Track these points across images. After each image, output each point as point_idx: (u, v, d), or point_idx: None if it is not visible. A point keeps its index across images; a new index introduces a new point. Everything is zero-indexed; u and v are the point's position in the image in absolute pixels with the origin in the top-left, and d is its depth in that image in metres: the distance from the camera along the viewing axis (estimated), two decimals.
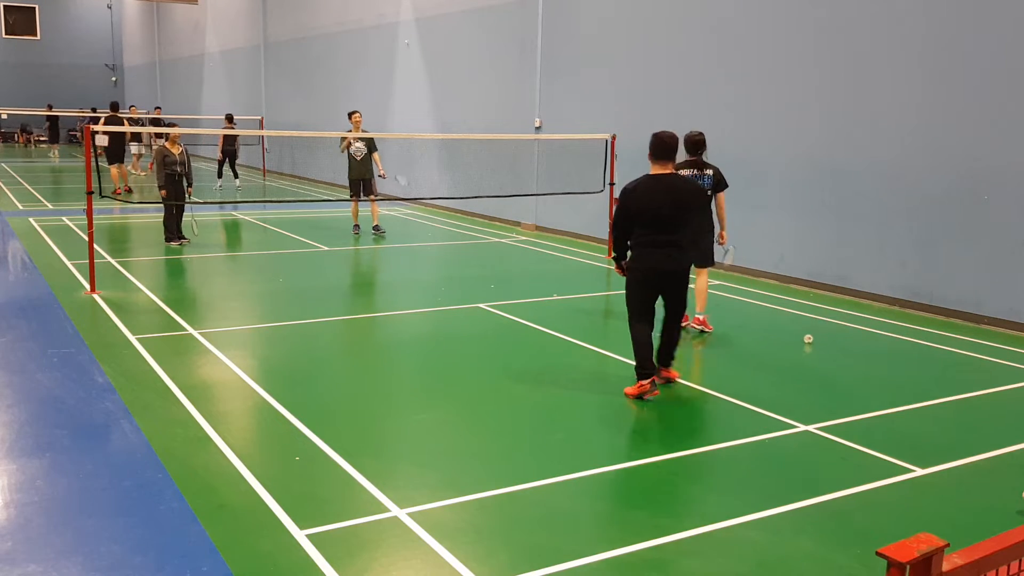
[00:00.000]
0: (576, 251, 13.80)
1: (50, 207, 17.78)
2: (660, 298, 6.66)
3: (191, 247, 13.10)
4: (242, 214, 17.67)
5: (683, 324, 8.35)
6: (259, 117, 27.94)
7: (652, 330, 6.61)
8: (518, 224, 16.56)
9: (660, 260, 6.47)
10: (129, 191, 20.17)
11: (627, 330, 6.68)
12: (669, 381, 6.86)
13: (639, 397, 6.48)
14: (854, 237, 10.55)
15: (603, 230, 13.17)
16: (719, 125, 12.01)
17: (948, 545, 2.05)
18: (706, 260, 8.52)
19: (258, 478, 4.96)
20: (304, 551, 4.16)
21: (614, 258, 6.88)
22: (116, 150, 20.15)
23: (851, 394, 6.84)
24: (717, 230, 8.57)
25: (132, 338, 7.87)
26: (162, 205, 13.20)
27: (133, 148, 24.71)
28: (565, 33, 14.99)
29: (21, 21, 42.64)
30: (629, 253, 6.65)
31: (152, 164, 13.39)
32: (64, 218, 15.72)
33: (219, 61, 32.41)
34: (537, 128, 15.68)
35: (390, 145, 19.34)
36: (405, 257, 13.56)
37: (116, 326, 8.30)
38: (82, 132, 24.21)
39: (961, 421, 6.39)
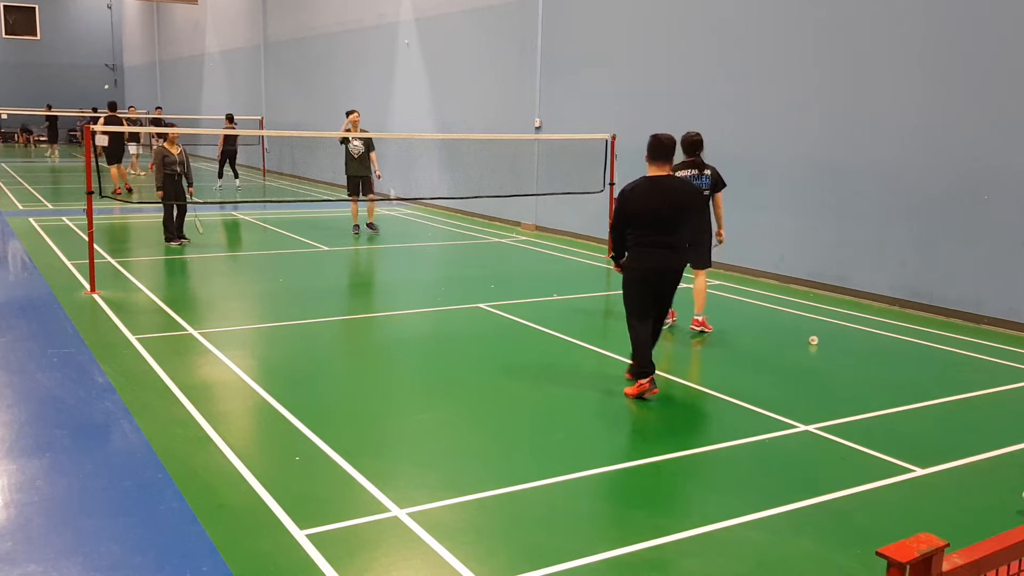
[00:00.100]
0: (576, 251, 13.80)
1: (50, 207, 17.78)
2: None
3: (191, 247, 13.11)
4: (242, 214, 17.67)
5: (669, 321, 8.37)
6: (259, 117, 27.94)
7: (651, 330, 6.63)
8: (518, 224, 16.56)
9: (658, 260, 6.51)
10: (129, 190, 20.18)
11: (627, 330, 6.69)
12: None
13: (639, 397, 6.49)
14: (854, 237, 10.55)
15: (603, 230, 13.17)
16: (719, 125, 12.01)
17: (948, 545, 2.05)
18: (704, 261, 8.51)
19: (258, 478, 4.96)
20: (304, 551, 4.16)
21: (612, 257, 6.91)
22: (116, 150, 20.17)
23: (851, 394, 6.84)
24: (715, 229, 8.57)
25: (132, 338, 7.87)
26: (162, 205, 13.20)
27: (132, 148, 24.72)
28: (565, 33, 14.99)
29: (21, 21, 42.64)
30: (627, 253, 6.68)
31: (152, 164, 13.38)
32: (64, 218, 15.72)
33: (219, 61, 32.41)
34: (537, 128, 15.68)
35: (390, 145, 19.34)
36: (405, 257, 13.56)
37: (116, 326, 8.31)
38: (82, 132, 24.23)
39: (961, 421, 6.39)
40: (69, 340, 7.81)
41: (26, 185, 22.03)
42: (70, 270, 10.98)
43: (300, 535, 4.30)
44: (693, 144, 8.21)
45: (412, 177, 19.34)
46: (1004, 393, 7.01)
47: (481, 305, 9.60)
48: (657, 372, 7.13)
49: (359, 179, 14.63)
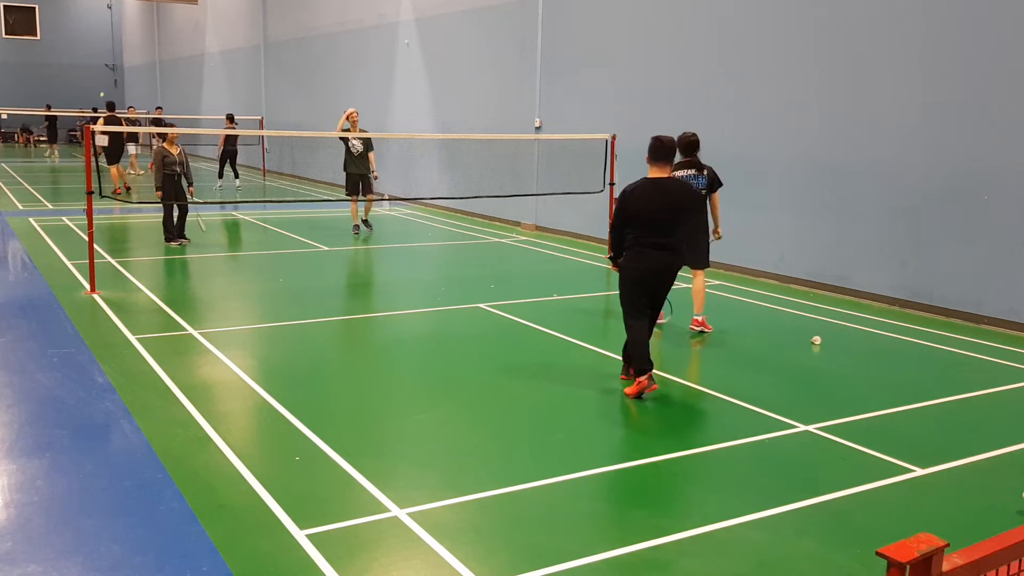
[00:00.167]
0: (576, 251, 13.80)
1: (50, 207, 17.78)
2: None
3: (191, 247, 13.11)
4: (242, 214, 17.67)
5: (660, 321, 8.42)
6: (259, 117, 27.94)
7: (648, 329, 6.66)
8: (518, 224, 16.56)
9: (656, 260, 6.57)
10: (128, 189, 20.19)
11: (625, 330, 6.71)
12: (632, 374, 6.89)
13: (638, 396, 6.49)
14: (854, 237, 10.55)
15: (603, 230, 13.17)
16: (719, 125, 12.02)
17: (948, 545, 2.05)
18: (702, 261, 8.54)
19: (258, 478, 4.96)
20: (304, 551, 4.16)
21: (610, 257, 6.94)
22: (115, 150, 20.18)
23: (851, 394, 6.84)
24: (711, 227, 8.60)
25: (132, 338, 7.87)
26: (161, 205, 13.20)
27: (131, 148, 24.73)
28: (565, 33, 14.99)
29: (21, 21, 42.63)
30: (625, 253, 6.72)
31: (152, 164, 13.38)
32: (64, 218, 15.72)
33: (219, 61, 32.41)
34: (537, 128, 15.68)
35: (390, 145, 19.34)
36: (405, 257, 13.56)
37: (116, 326, 8.31)
38: (82, 132, 24.24)
39: (961, 421, 6.39)
40: (69, 340, 7.81)
41: (26, 185, 22.03)
42: (70, 270, 10.98)
43: (300, 535, 4.30)
44: (690, 144, 8.27)
45: (412, 177, 19.34)
46: (1004, 393, 7.01)
47: (481, 305, 9.60)
48: (657, 372, 7.14)
49: (359, 177, 14.63)
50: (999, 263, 9.18)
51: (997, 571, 2.17)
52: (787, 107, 11.29)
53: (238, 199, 20.32)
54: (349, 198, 14.93)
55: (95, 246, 10.08)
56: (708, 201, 8.38)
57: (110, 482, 4.93)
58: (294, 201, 20.36)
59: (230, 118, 23.00)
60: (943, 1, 9.51)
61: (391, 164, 19.73)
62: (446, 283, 11.38)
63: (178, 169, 12.82)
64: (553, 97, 15.41)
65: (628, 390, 6.55)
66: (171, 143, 12.94)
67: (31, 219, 15.55)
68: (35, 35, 42.93)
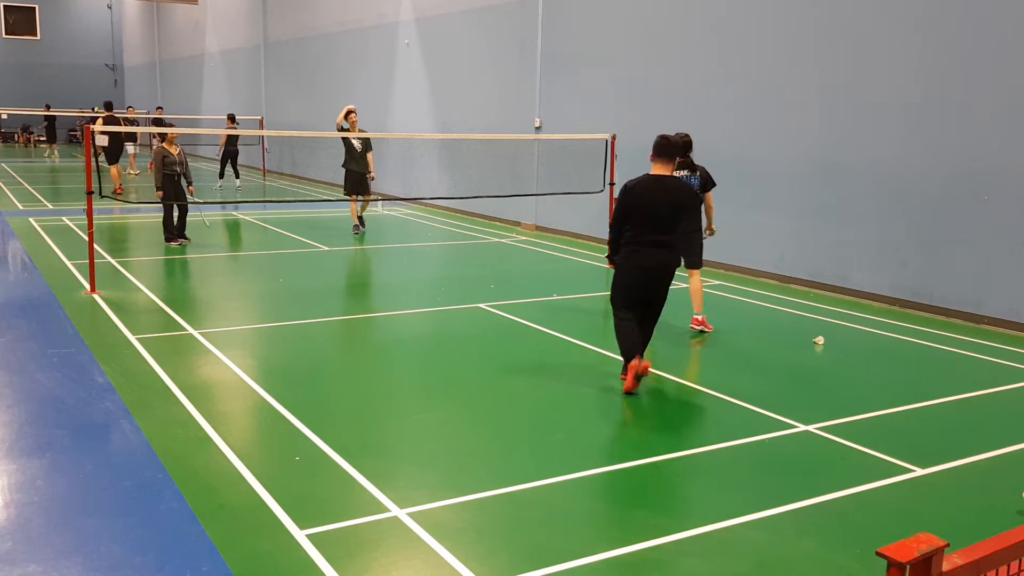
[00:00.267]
0: (576, 251, 13.80)
1: (50, 207, 17.78)
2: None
3: (191, 247, 13.11)
4: (242, 214, 17.67)
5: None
6: (259, 117, 27.94)
7: (636, 324, 6.71)
8: (518, 224, 16.56)
9: (654, 259, 6.60)
10: (122, 190, 20.19)
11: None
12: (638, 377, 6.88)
13: (636, 384, 6.48)
14: (854, 237, 10.55)
15: (603, 230, 13.15)
16: (719, 125, 12.02)
17: (948, 545, 2.05)
18: (697, 261, 8.59)
19: (258, 478, 4.96)
20: (304, 551, 4.16)
21: (609, 256, 6.95)
22: (115, 150, 20.18)
23: (851, 394, 6.84)
24: (704, 226, 8.68)
25: (132, 338, 7.87)
26: (161, 205, 13.21)
27: (129, 148, 24.74)
28: (565, 33, 14.99)
29: (21, 21, 42.63)
30: (622, 250, 6.74)
31: (152, 164, 13.38)
32: (64, 218, 15.72)
33: (219, 61, 32.41)
34: (537, 128, 15.68)
35: (390, 145, 19.34)
36: (405, 257, 13.56)
37: (116, 326, 8.31)
38: (82, 132, 24.22)
39: (961, 421, 6.39)
40: (69, 340, 7.81)
41: (26, 185, 22.02)
42: (70, 270, 10.98)
43: (300, 535, 4.30)
44: (684, 145, 8.38)
45: (412, 177, 19.34)
46: (1004, 393, 7.01)
47: (481, 305, 9.60)
48: (657, 372, 7.15)
49: (359, 176, 14.64)
50: (999, 263, 9.18)
51: (997, 571, 2.17)
52: (787, 107, 11.29)
53: (238, 199, 20.32)
54: (348, 197, 14.93)
55: (95, 246, 10.08)
56: (702, 201, 8.51)
57: (110, 482, 4.93)
58: (294, 201, 20.36)
59: (231, 118, 22.99)
60: (943, 1, 9.51)
61: (391, 164, 19.73)
62: (446, 283, 11.38)
63: (178, 169, 12.83)
64: (553, 97, 15.41)
65: (626, 387, 6.56)
66: (171, 143, 12.94)
67: (31, 219, 15.55)
68: (35, 35, 42.93)
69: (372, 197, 15.14)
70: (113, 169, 19.93)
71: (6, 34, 42.33)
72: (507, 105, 16.49)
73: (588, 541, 4.36)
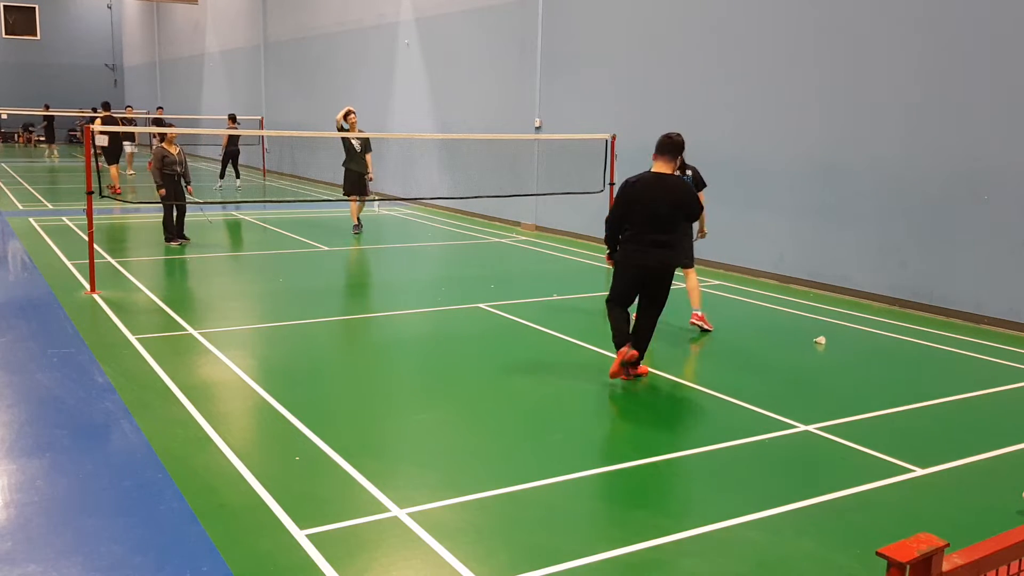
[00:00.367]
0: (576, 251, 13.80)
1: (50, 207, 17.78)
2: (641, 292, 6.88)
3: (191, 247, 13.11)
4: (242, 214, 17.67)
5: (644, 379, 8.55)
6: (259, 117, 27.95)
7: (628, 316, 6.84)
8: (518, 224, 16.56)
9: (654, 259, 6.61)
10: (120, 190, 20.18)
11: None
12: (638, 377, 6.90)
13: (623, 370, 6.63)
14: (854, 237, 10.55)
15: (603, 230, 13.16)
16: (719, 125, 12.02)
17: (948, 545, 2.05)
18: (689, 261, 8.63)
19: (258, 478, 4.96)
20: (304, 551, 4.16)
21: (610, 254, 6.98)
22: (115, 150, 20.18)
23: (851, 394, 6.84)
24: (695, 227, 8.69)
25: (132, 338, 7.87)
26: (161, 205, 13.21)
27: (127, 147, 24.74)
28: (565, 33, 14.99)
29: (21, 21, 42.63)
30: (621, 249, 6.78)
31: (151, 163, 13.38)
32: (64, 218, 15.72)
33: (219, 61, 32.41)
34: (537, 128, 15.68)
35: (390, 145, 19.34)
36: (405, 257, 13.56)
37: (116, 326, 8.31)
38: (82, 132, 24.20)
39: (961, 421, 6.39)
40: (69, 340, 7.81)
41: (26, 185, 22.03)
42: (70, 270, 10.98)
43: (300, 535, 4.30)
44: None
45: (412, 177, 19.34)
46: (1004, 393, 7.01)
47: (481, 305, 9.60)
48: (658, 371, 7.16)
49: (358, 176, 14.64)
50: (999, 263, 9.17)
51: (997, 571, 2.17)
52: (787, 107, 11.29)
53: (238, 199, 20.32)
54: (347, 197, 14.93)
55: (95, 246, 10.08)
56: None
57: (110, 482, 4.93)
58: (294, 201, 20.36)
59: (232, 118, 22.98)
60: (943, 1, 9.51)
61: (391, 164, 19.73)
62: (446, 283, 11.38)
63: (178, 169, 12.83)
64: (553, 97, 15.40)
65: (611, 370, 6.74)
66: (170, 143, 12.94)
67: (31, 219, 15.55)
68: (35, 35, 42.93)
69: (369, 197, 15.13)
70: (113, 169, 19.93)
71: (6, 34, 42.34)
72: (507, 105, 16.49)
73: (588, 541, 4.36)
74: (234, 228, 16.01)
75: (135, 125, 25.33)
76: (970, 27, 9.26)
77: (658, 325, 7.05)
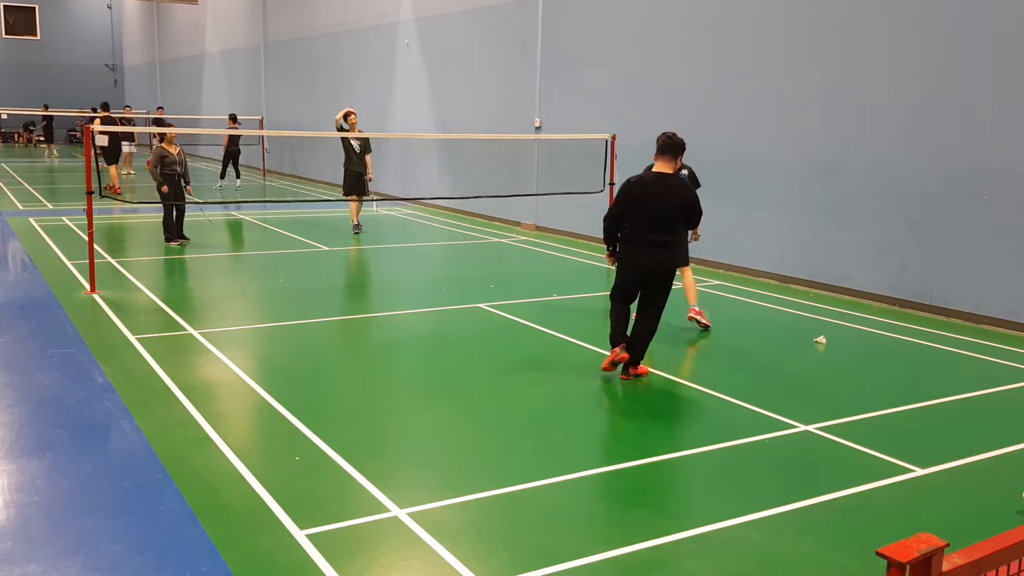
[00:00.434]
0: (576, 251, 13.80)
1: (50, 207, 17.78)
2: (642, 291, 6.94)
3: (191, 247, 13.11)
4: (242, 214, 17.67)
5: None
6: (259, 117, 27.94)
7: (628, 314, 6.90)
8: (518, 224, 16.56)
9: (656, 259, 6.63)
10: (120, 191, 20.18)
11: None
12: (638, 377, 6.90)
13: (613, 365, 6.74)
14: (854, 237, 10.55)
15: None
16: (719, 125, 12.02)
17: (948, 545, 2.05)
18: (684, 260, 8.63)
19: (258, 478, 4.96)
20: (304, 551, 4.16)
21: (610, 252, 6.98)
22: (114, 150, 20.18)
23: (851, 394, 6.84)
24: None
25: (132, 338, 7.87)
26: (161, 205, 13.21)
27: (125, 147, 24.72)
28: (565, 33, 14.99)
29: (21, 21, 42.63)
30: (621, 249, 6.81)
31: (150, 162, 13.37)
32: (64, 218, 15.72)
33: (219, 61, 32.41)
34: (537, 128, 15.68)
35: (390, 145, 19.34)
36: (405, 257, 13.56)
37: (116, 326, 8.30)
38: (82, 132, 24.20)
39: (961, 421, 6.39)
40: (69, 340, 7.81)
41: (26, 185, 22.03)
42: (70, 270, 10.98)
43: (300, 535, 4.30)
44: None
45: (412, 177, 19.34)
46: (1004, 393, 7.01)
47: (481, 305, 9.60)
48: (658, 372, 7.16)
49: (358, 176, 14.63)
50: (999, 263, 9.17)
51: (997, 571, 2.17)
52: (787, 107, 11.29)
53: (238, 199, 20.32)
54: (347, 197, 14.92)
55: (95, 246, 10.08)
56: None
57: (110, 482, 4.93)
58: (294, 201, 20.36)
59: (233, 118, 22.98)
60: (943, 1, 9.51)
61: (391, 164, 19.73)
62: (446, 283, 11.38)
63: (178, 169, 12.83)
64: (553, 97, 15.40)
65: (603, 365, 6.84)
66: (170, 143, 12.94)
67: (31, 219, 15.55)
68: (35, 35, 42.92)
69: (368, 197, 15.13)
70: (112, 169, 19.93)
71: (6, 34, 42.33)
72: (507, 105, 16.49)
73: (588, 541, 4.36)
74: (234, 228, 16.01)
75: (133, 125, 25.29)
76: (970, 27, 9.26)
77: (658, 326, 7.04)
